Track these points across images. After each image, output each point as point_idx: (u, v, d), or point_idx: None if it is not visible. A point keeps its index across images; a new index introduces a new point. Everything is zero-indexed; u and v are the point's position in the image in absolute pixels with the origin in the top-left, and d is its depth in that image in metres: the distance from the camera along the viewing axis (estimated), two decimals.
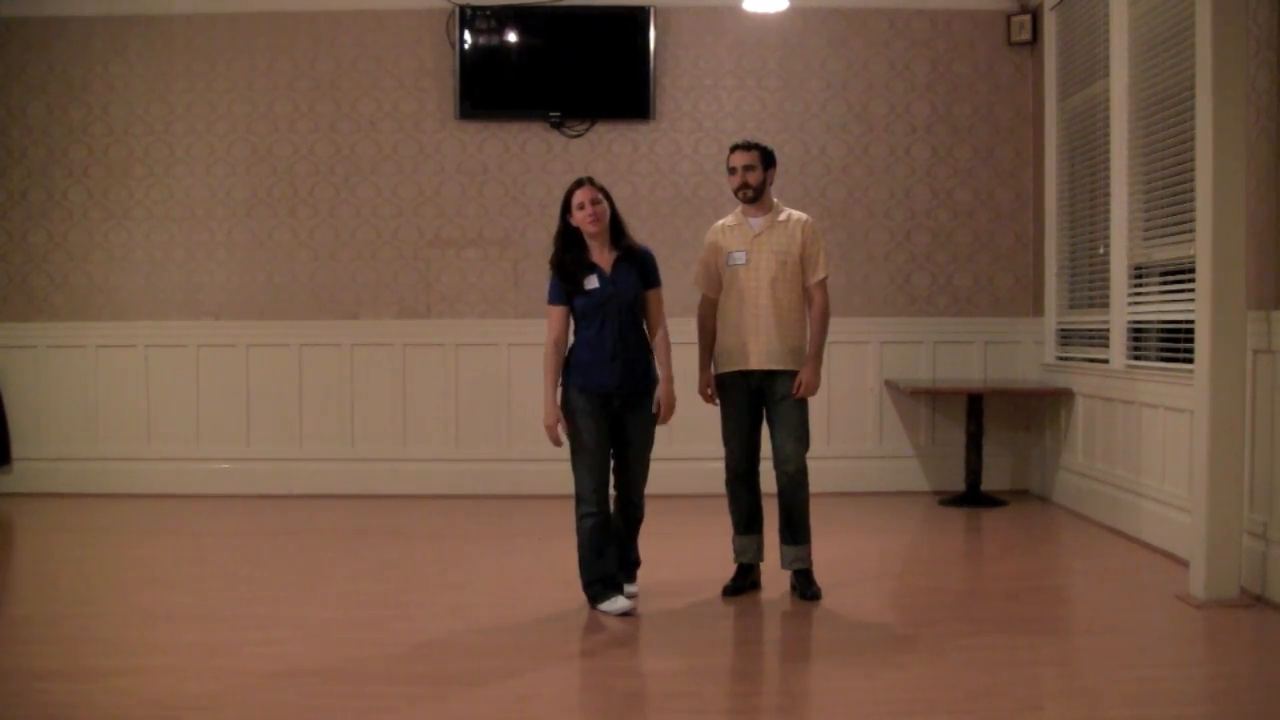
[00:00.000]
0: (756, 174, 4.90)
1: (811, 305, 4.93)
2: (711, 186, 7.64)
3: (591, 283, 4.69)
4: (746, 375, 4.89)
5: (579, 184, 4.70)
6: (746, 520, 4.99)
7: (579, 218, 4.67)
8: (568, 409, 4.70)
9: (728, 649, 4.42)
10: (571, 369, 4.73)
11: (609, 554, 4.69)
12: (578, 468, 4.66)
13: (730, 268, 4.94)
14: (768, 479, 4.98)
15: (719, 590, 4.98)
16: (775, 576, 5.04)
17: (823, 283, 4.93)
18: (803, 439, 4.88)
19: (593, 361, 4.67)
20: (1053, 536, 6.46)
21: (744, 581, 5.00)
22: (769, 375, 4.87)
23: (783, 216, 4.95)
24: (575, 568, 4.76)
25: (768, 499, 4.99)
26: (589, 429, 4.64)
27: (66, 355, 7.65)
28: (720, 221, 5.10)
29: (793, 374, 4.85)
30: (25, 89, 7.61)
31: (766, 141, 5.08)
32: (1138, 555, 5.75)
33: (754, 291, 4.87)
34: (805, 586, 4.91)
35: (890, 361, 7.65)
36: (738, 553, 5.02)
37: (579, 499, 4.66)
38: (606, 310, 4.67)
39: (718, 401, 5.01)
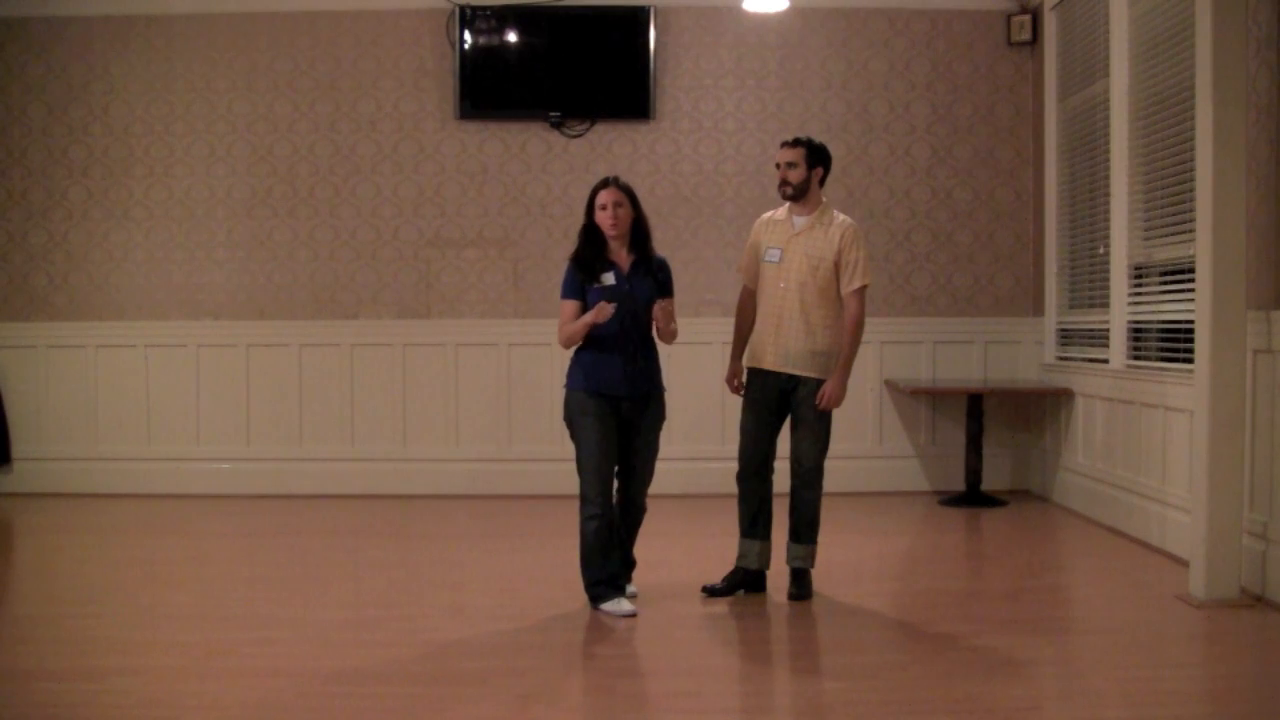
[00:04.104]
0: (798, 172, 4.81)
1: (845, 313, 4.83)
2: (711, 186, 7.64)
3: (609, 279, 4.68)
4: (773, 375, 4.85)
5: (605, 184, 4.71)
6: (749, 522, 4.93)
7: (599, 217, 4.69)
8: (574, 410, 4.68)
9: (728, 649, 4.42)
10: (578, 370, 4.71)
11: (613, 555, 4.69)
12: (584, 469, 4.64)
13: (765, 264, 4.90)
14: (782, 481, 4.97)
15: (763, 591, 4.94)
16: (779, 579, 5.02)
17: (859, 291, 4.80)
18: (819, 443, 4.85)
19: (602, 362, 4.66)
20: (1053, 536, 6.46)
21: (730, 584, 4.91)
22: (794, 379, 4.83)
23: (828, 219, 4.86)
24: (575, 568, 4.76)
25: (778, 499, 4.97)
26: (596, 431, 4.62)
27: (66, 355, 7.65)
28: (769, 214, 5.04)
29: (819, 382, 4.80)
30: (25, 89, 7.61)
31: (819, 139, 4.98)
32: (1138, 555, 5.75)
33: (782, 292, 4.83)
34: (793, 585, 4.88)
35: (890, 361, 7.65)
36: (738, 555, 4.97)
37: (584, 500, 4.64)
38: (620, 310, 4.64)
39: (740, 393, 5.00)
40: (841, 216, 4.90)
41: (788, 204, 4.93)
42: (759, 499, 4.92)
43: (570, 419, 4.70)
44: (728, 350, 5.14)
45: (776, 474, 4.97)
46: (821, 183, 4.91)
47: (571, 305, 4.69)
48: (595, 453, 4.62)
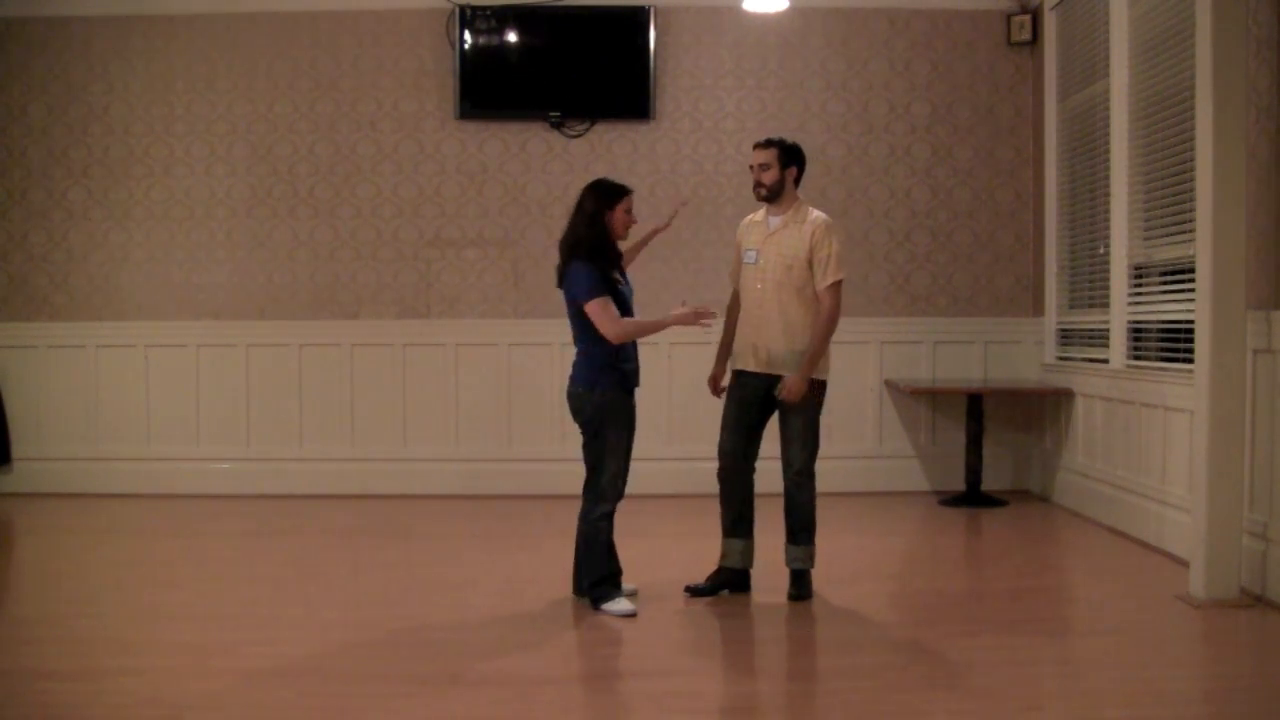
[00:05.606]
0: (771, 173, 4.81)
1: (820, 309, 4.81)
2: (711, 187, 7.64)
3: (622, 279, 4.76)
4: (756, 376, 4.84)
5: (629, 191, 4.74)
6: (732, 522, 4.93)
7: (624, 220, 4.70)
8: (613, 412, 4.65)
9: (728, 649, 4.42)
10: (609, 370, 4.66)
11: (614, 553, 4.75)
12: (616, 470, 4.65)
13: (744, 266, 4.91)
14: (767, 481, 4.98)
15: (748, 591, 4.94)
16: (769, 578, 5.02)
17: (832, 287, 4.76)
18: (807, 444, 4.83)
19: (624, 359, 4.70)
20: (1053, 536, 6.46)
21: (715, 584, 4.91)
22: (777, 379, 4.81)
23: (801, 217, 4.85)
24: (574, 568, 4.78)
25: (772, 499, 4.98)
26: (630, 431, 4.70)
27: (66, 355, 7.64)
28: (750, 216, 5.05)
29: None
30: (25, 89, 7.61)
31: (792, 139, 4.96)
32: (1138, 555, 5.75)
33: (760, 293, 4.82)
34: (793, 586, 4.87)
35: (890, 361, 7.65)
36: (721, 554, 4.96)
37: (602, 499, 4.66)
38: (629, 307, 4.72)
39: (723, 396, 4.99)
40: (815, 213, 4.88)
41: (765, 205, 4.93)
42: (740, 498, 4.92)
43: (608, 420, 4.65)
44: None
45: (771, 476, 4.96)
46: (796, 182, 4.90)
47: (610, 302, 4.61)
48: (627, 453, 4.68)
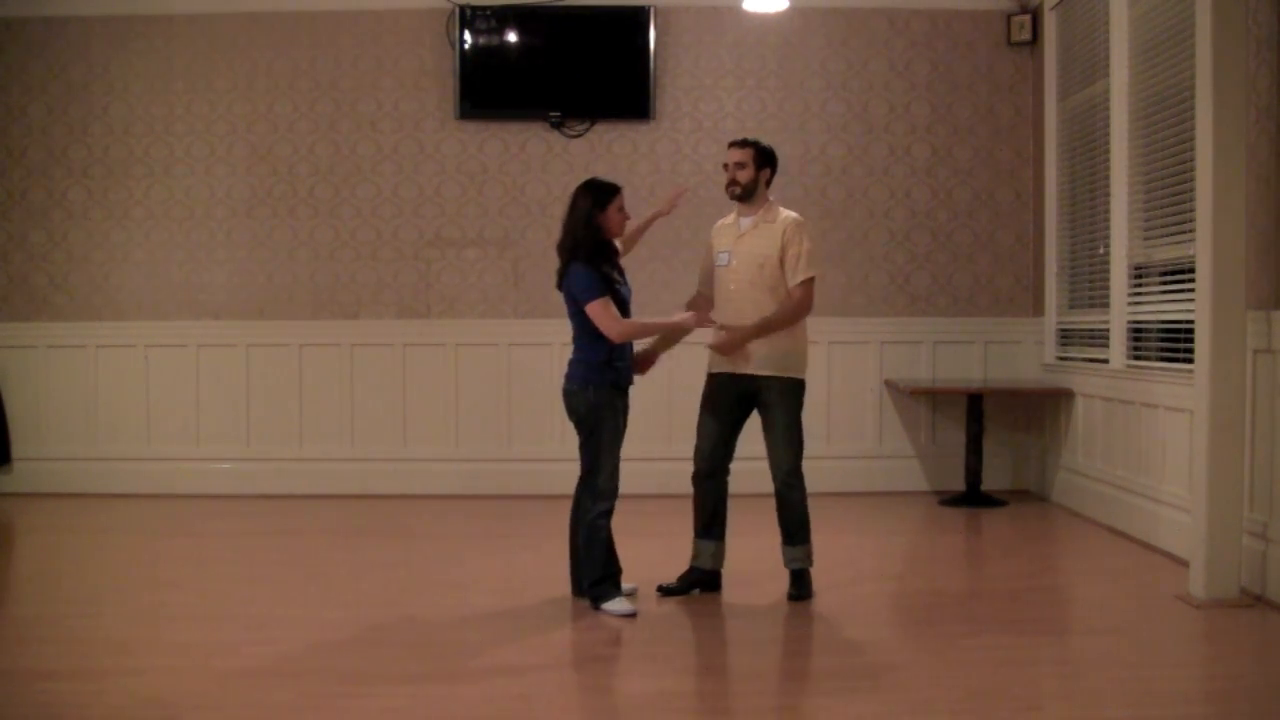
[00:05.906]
0: (747, 172, 4.84)
1: None
2: (712, 187, 7.61)
3: (621, 279, 4.76)
4: (734, 378, 4.84)
5: (619, 189, 4.74)
6: (705, 523, 4.94)
7: (617, 219, 4.72)
8: (606, 408, 4.66)
9: (727, 649, 4.42)
10: (608, 369, 4.67)
11: (614, 551, 4.75)
12: (610, 467, 4.66)
13: (718, 268, 4.93)
14: (756, 482, 4.97)
15: (718, 591, 4.97)
16: (777, 578, 5.02)
17: (805, 284, 4.77)
18: (792, 444, 4.83)
19: (618, 357, 4.70)
20: (1053, 536, 6.46)
21: (686, 583, 4.93)
22: (755, 380, 4.81)
23: (771, 217, 4.87)
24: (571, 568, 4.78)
25: (759, 501, 4.98)
26: (622, 428, 4.71)
27: (66, 355, 7.64)
28: (722, 219, 5.08)
29: (781, 380, 4.78)
30: (25, 89, 7.61)
31: (766, 140, 5.00)
32: (1137, 555, 5.75)
33: (734, 294, 4.84)
34: (793, 586, 4.87)
35: (890, 361, 7.65)
36: (692, 554, 4.98)
37: (602, 496, 4.67)
38: (627, 307, 4.74)
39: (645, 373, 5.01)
40: (785, 213, 4.90)
41: (738, 206, 4.94)
42: (714, 500, 4.93)
43: (602, 416, 4.66)
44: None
45: (759, 477, 4.96)
46: (769, 184, 4.92)
47: (610, 302, 4.61)
48: (619, 449, 4.69)
